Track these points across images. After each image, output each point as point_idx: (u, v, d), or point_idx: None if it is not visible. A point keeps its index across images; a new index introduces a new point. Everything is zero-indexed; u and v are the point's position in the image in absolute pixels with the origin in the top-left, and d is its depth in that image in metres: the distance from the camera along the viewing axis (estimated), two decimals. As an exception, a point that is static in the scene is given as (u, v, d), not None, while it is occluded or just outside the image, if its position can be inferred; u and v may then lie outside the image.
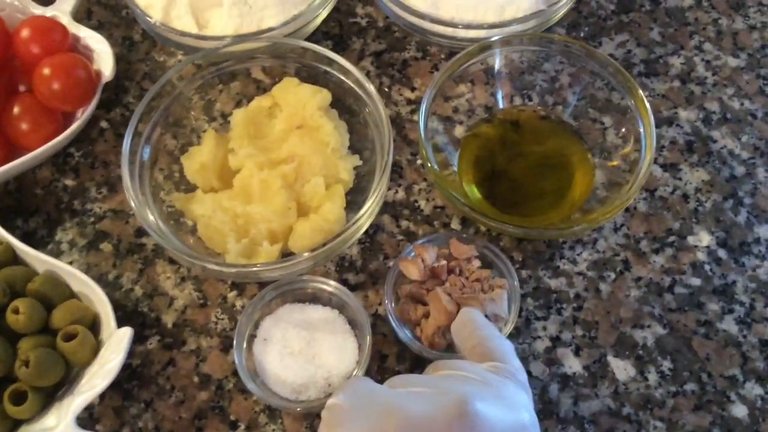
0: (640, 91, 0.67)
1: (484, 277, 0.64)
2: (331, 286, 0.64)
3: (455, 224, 0.71)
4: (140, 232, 0.72)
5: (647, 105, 0.66)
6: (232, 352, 0.66)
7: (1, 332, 0.61)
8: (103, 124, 0.77)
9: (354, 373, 0.61)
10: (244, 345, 0.63)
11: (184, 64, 0.70)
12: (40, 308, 0.61)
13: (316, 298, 0.66)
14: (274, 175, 0.66)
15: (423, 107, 0.66)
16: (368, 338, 0.61)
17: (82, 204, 0.73)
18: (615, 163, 0.70)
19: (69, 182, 0.74)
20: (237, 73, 0.75)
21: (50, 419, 0.58)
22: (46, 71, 0.69)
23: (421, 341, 0.62)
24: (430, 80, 0.72)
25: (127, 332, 0.59)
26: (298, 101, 0.70)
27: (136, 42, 0.82)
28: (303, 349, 0.62)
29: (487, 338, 0.56)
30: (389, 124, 0.65)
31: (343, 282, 0.68)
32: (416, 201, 0.72)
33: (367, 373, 0.63)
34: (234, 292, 0.69)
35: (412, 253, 0.65)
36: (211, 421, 0.63)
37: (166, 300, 0.68)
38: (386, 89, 0.78)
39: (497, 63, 0.73)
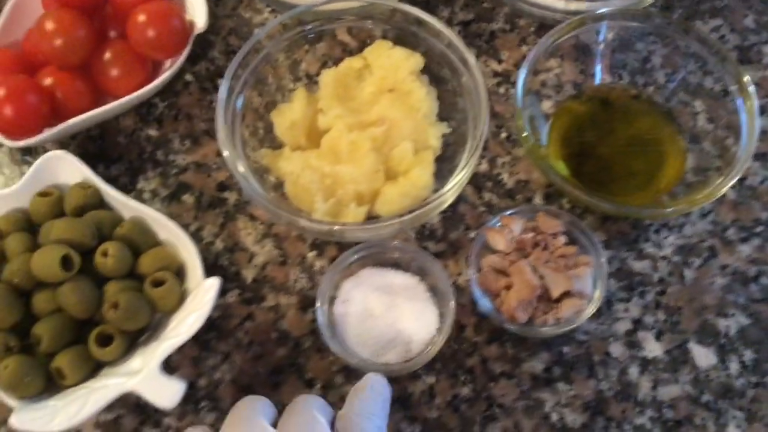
0: (746, 78, 0.65)
1: (570, 253, 0.64)
2: (415, 252, 0.64)
3: (538, 199, 0.70)
4: (222, 186, 0.72)
5: (753, 95, 0.65)
6: (310, 311, 0.66)
7: (90, 275, 0.61)
8: (188, 77, 0.77)
9: (434, 340, 0.61)
10: (326, 306, 0.63)
11: (275, 23, 0.69)
12: (128, 253, 0.62)
13: (396, 264, 0.65)
14: (364, 138, 0.66)
15: (521, 77, 0.65)
16: (452, 306, 0.61)
17: (165, 155, 0.73)
18: (707, 147, 0.68)
19: (152, 132, 0.74)
20: (323, 33, 0.74)
21: (135, 362, 0.59)
22: (142, 18, 0.69)
23: (501, 313, 0.62)
24: (526, 51, 0.71)
25: (215, 282, 0.59)
26: (391, 64, 0.69)
27: (223, -4, 0.82)
28: (383, 313, 0.62)
29: (358, 414, 0.52)
30: (487, 97, 0.64)
31: (423, 250, 0.67)
32: (499, 174, 0.71)
33: (446, 342, 0.62)
34: (314, 252, 0.68)
35: (499, 224, 0.65)
36: (288, 377, 0.64)
37: (246, 255, 0.68)
38: (473, 60, 0.77)
39: (594, 39, 0.71)
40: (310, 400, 0.52)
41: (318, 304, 0.62)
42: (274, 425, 0.50)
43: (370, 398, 0.53)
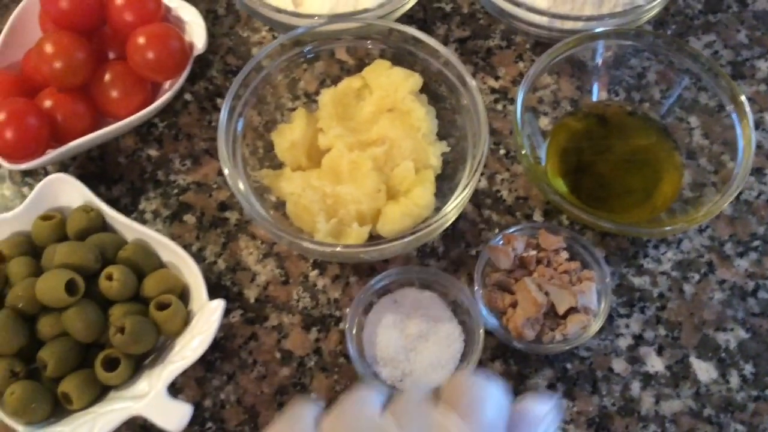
0: (742, 99, 0.66)
1: (573, 269, 0.64)
2: (445, 279, 0.65)
3: (537, 216, 0.71)
4: (223, 206, 0.72)
5: (748, 110, 0.66)
6: (313, 330, 0.66)
7: (94, 298, 0.61)
8: (187, 96, 0.77)
9: (461, 368, 0.62)
10: (354, 330, 0.63)
11: (275, 44, 0.69)
12: (132, 276, 0.62)
13: (425, 285, 0.66)
14: (365, 157, 0.66)
15: (520, 96, 0.66)
16: (481, 335, 0.62)
17: (165, 175, 0.73)
18: (703, 163, 0.69)
19: (153, 152, 0.74)
20: (321, 52, 0.75)
21: (141, 385, 0.59)
22: (141, 40, 0.69)
23: (507, 330, 0.63)
24: (523, 67, 0.72)
25: (220, 304, 0.60)
26: (390, 84, 0.69)
27: (220, 16, 0.82)
28: (414, 340, 0.63)
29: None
30: (486, 114, 0.64)
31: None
32: (498, 191, 0.72)
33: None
34: (316, 271, 0.69)
35: (501, 242, 0.65)
36: (292, 397, 0.64)
37: (248, 275, 0.69)
38: (470, 77, 0.77)
39: (590, 56, 0.72)
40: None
41: (347, 326, 0.63)
42: None
43: None
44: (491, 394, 0.43)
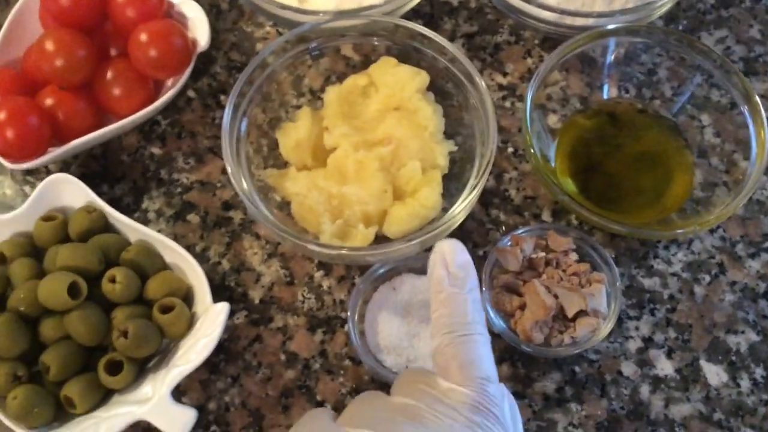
0: (756, 98, 0.65)
1: (582, 270, 0.63)
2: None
3: (546, 216, 0.70)
4: (227, 206, 0.71)
5: (761, 109, 0.64)
6: (318, 331, 0.65)
7: (96, 301, 0.60)
8: (191, 93, 0.76)
9: None
10: (356, 317, 0.63)
11: (281, 41, 0.68)
12: (135, 278, 0.61)
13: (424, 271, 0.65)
14: (371, 157, 0.65)
15: (529, 94, 0.65)
16: None
17: (169, 173, 0.72)
18: (714, 162, 0.68)
19: (156, 150, 0.74)
20: (327, 49, 0.73)
21: (145, 389, 0.58)
22: (144, 37, 0.68)
23: (515, 333, 0.62)
24: (531, 63, 0.71)
25: (224, 307, 0.59)
26: (397, 82, 0.68)
27: (224, 11, 0.80)
28: (416, 326, 0.62)
29: (459, 336, 0.46)
30: (494, 113, 0.63)
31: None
32: (506, 190, 0.71)
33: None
34: (321, 272, 0.68)
35: (509, 243, 0.64)
36: (297, 399, 0.63)
37: (253, 276, 0.68)
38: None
39: (600, 53, 0.71)
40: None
41: (348, 315, 0.62)
42: None
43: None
44: None
